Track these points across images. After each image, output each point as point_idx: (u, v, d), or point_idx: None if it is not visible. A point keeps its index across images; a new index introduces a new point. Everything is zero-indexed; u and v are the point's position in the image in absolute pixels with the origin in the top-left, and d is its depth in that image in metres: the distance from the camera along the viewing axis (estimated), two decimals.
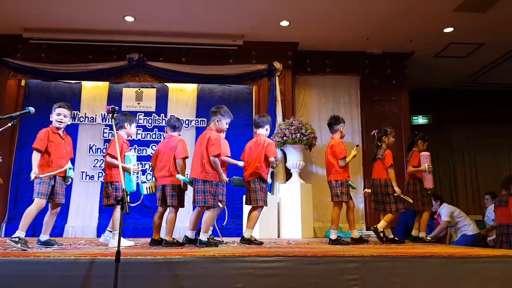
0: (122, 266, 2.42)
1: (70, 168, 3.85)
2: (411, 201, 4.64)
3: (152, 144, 6.90)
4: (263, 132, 4.49)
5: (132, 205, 3.98)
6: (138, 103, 7.02)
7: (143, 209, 6.40)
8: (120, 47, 6.87)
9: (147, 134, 6.93)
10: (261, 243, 4.15)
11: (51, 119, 3.89)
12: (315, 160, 7.07)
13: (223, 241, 4.37)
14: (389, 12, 6.15)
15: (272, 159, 4.32)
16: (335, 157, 4.45)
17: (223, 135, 4.43)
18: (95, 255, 2.73)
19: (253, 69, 7.04)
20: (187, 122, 6.95)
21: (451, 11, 6.06)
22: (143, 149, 6.87)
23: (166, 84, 7.10)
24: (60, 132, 3.86)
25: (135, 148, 6.73)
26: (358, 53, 7.47)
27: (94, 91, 7.06)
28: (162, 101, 7.07)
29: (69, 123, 3.96)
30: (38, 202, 3.61)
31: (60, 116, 3.81)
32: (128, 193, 3.94)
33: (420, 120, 8.45)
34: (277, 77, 7.04)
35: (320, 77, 7.52)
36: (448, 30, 6.66)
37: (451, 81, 8.98)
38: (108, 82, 7.02)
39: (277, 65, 7.03)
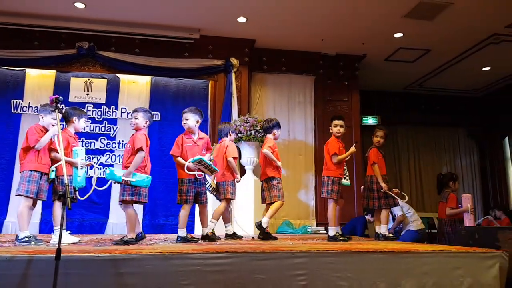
0: (63, 264, 2.31)
1: None
2: (397, 198, 4.75)
3: (101, 137, 6.64)
4: (270, 136, 4.79)
5: (81, 198, 3.84)
6: (87, 94, 6.74)
7: (90, 204, 6.19)
8: (69, 35, 6.54)
9: (96, 126, 6.66)
10: (275, 238, 4.52)
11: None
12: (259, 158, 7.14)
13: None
14: (342, 15, 6.31)
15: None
16: (328, 153, 4.59)
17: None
18: (34, 252, 2.59)
19: (210, 64, 6.97)
20: None
21: (401, 17, 6.32)
22: (91, 142, 6.60)
23: (117, 75, 6.86)
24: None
25: (82, 141, 6.45)
26: (313, 53, 7.62)
27: (39, 80, 6.68)
28: (112, 92, 6.81)
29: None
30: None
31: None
32: (77, 188, 3.81)
33: (370, 120, 8.76)
34: (233, 73, 7.01)
35: (276, 76, 7.59)
36: (398, 35, 6.95)
37: (399, 85, 9.40)
38: (55, 71, 6.66)
39: (234, 61, 7.01)
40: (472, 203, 5.04)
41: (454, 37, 6.97)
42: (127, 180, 3.58)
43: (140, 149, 3.65)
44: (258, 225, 4.50)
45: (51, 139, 3.85)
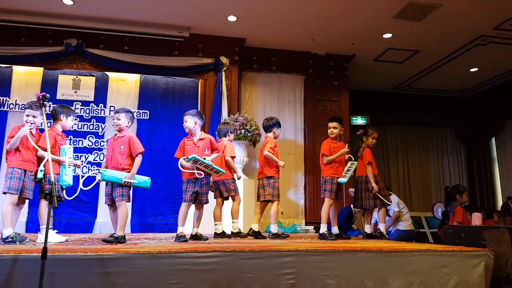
0: (49, 263, 2.29)
1: None
2: (387, 202, 4.77)
3: (89, 136, 6.58)
4: (270, 135, 4.85)
5: (68, 198, 3.80)
6: (75, 92, 6.66)
7: (78, 203, 6.12)
8: (57, 32, 6.46)
9: (84, 124, 6.60)
10: (287, 236, 4.58)
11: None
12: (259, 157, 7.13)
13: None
14: (332, 15, 6.33)
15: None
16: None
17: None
18: (20, 251, 2.55)
19: (199, 63, 6.94)
20: None
21: (391, 18, 6.37)
22: (79, 141, 6.53)
23: (106, 73, 6.79)
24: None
25: (70, 139, 6.39)
26: (303, 53, 7.64)
27: (26, 77, 6.58)
28: (101, 90, 6.75)
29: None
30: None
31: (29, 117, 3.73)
32: (64, 187, 3.77)
33: (359, 120, 8.81)
34: (223, 72, 6.99)
35: (266, 75, 7.59)
36: (387, 36, 7.00)
37: (389, 85, 9.47)
38: (42, 68, 6.57)
39: (224, 60, 6.99)
40: (482, 221, 4.77)
41: (442, 38, 7.05)
42: (130, 182, 3.69)
43: (141, 153, 3.81)
44: (254, 233, 4.56)
45: (38, 136, 3.80)
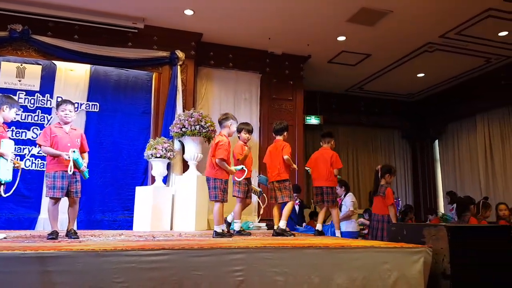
0: None
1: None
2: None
3: (33, 127, 6.24)
4: (280, 137, 4.86)
5: (4, 195, 3.60)
6: (19, 80, 6.29)
7: (19, 198, 5.80)
8: (1, 16, 6.05)
9: (28, 115, 6.25)
10: (292, 234, 4.53)
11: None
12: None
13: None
14: (288, 15, 6.41)
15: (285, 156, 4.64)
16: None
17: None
18: None
19: (154, 55, 6.78)
20: (76, 105, 6.44)
21: (345, 21, 6.55)
22: (22, 132, 6.18)
23: (54, 62, 6.46)
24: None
25: (12, 131, 6.03)
26: (261, 51, 7.68)
27: None
28: (48, 80, 6.41)
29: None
30: None
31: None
32: (3, 182, 3.54)
33: (313, 120, 9.00)
34: (179, 66, 6.87)
35: (223, 71, 7.56)
36: (341, 38, 7.20)
37: (341, 86, 9.75)
38: None
39: (180, 54, 6.87)
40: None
41: (392, 44, 7.35)
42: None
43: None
44: (279, 232, 4.55)
45: None
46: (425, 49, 7.59)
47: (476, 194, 8.91)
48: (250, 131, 4.83)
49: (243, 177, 4.53)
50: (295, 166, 4.80)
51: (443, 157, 10.33)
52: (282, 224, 4.61)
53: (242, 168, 4.48)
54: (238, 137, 4.85)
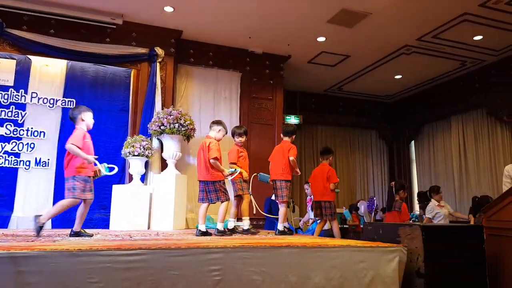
0: None
1: None
2: None
3: (6, 123, 6.06)
4: (288, 139, 4.88)
5: None
6: None
7: None
8: None
9: (2, 111, 6.06)
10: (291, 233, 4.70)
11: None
12: (192, 152, 7.03)
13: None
14: (269, 15, 6.43)
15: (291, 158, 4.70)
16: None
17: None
18: None
19: (132, 52, 6.68)
20: (51, 101, 6.30)
21: (325, 22, 6.61)
22: None
23: (29, 56, 6.29)
24: None
25: None
26: (241, 50, 7.67)
27: None
28: (22, 75, 6.23)
29: None
30: None
31: None
32: None
33: (293, 120, 9.04)
34: (158, 63, 6.80)
35: (203, 69, 7.51)
36: (321, 39, 7.26)
37: (321, 86, 9.84)
38: None
39: (159, 50, 6.79)
40: None
41: (371, 46, 7.46)
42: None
43: None
44: (280, 232, 4.65)
45: None
46: (403, 52, 7.74)
47: (450, 191, 9.18)
48: (241, 134, 4.96)
49: (234, 176, 4.61)
50: (298, 171, 4.88)
51: (418, 158, 10.57)
52: (280, 226, 4.74)
53: (235, 170, 4.60)
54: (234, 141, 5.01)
